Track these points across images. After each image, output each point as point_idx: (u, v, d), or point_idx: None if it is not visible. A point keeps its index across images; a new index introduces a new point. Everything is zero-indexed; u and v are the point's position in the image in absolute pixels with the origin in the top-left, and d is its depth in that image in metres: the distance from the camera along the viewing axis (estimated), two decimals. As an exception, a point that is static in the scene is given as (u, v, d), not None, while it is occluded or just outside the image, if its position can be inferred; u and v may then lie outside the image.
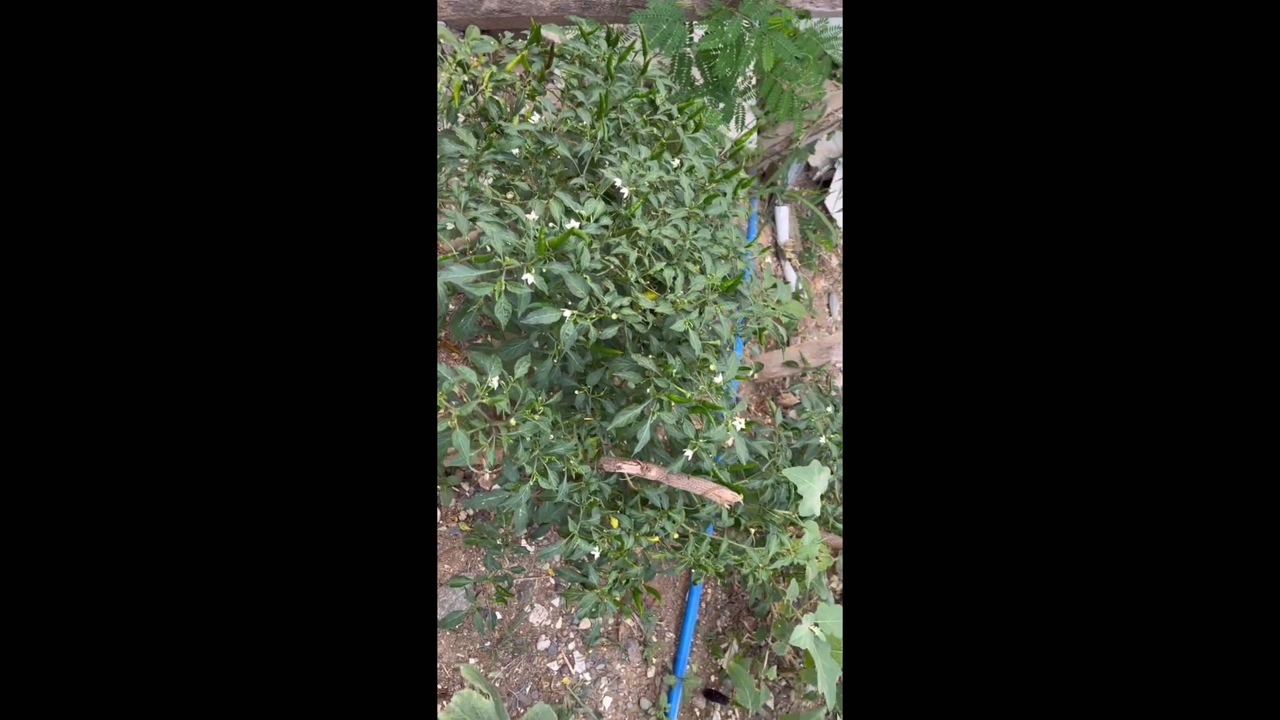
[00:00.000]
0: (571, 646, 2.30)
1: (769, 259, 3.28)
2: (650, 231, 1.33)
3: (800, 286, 3.29)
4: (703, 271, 1.37)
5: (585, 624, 2.33)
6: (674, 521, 1.64)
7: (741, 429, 1.39)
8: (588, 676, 2.28)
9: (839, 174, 3.41)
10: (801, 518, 1.79)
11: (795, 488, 1.87)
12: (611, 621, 2.41)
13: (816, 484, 1.83)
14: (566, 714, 2.16)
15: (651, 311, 1.33)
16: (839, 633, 2.02)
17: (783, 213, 3.30)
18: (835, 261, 3.64)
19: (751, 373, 1.67)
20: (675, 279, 1.34)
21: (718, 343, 1.41)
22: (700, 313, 1.34)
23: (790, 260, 3.34)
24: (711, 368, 1.37)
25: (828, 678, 1.94)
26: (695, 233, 1.40)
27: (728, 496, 1.40)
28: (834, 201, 3.45)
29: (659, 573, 2.11)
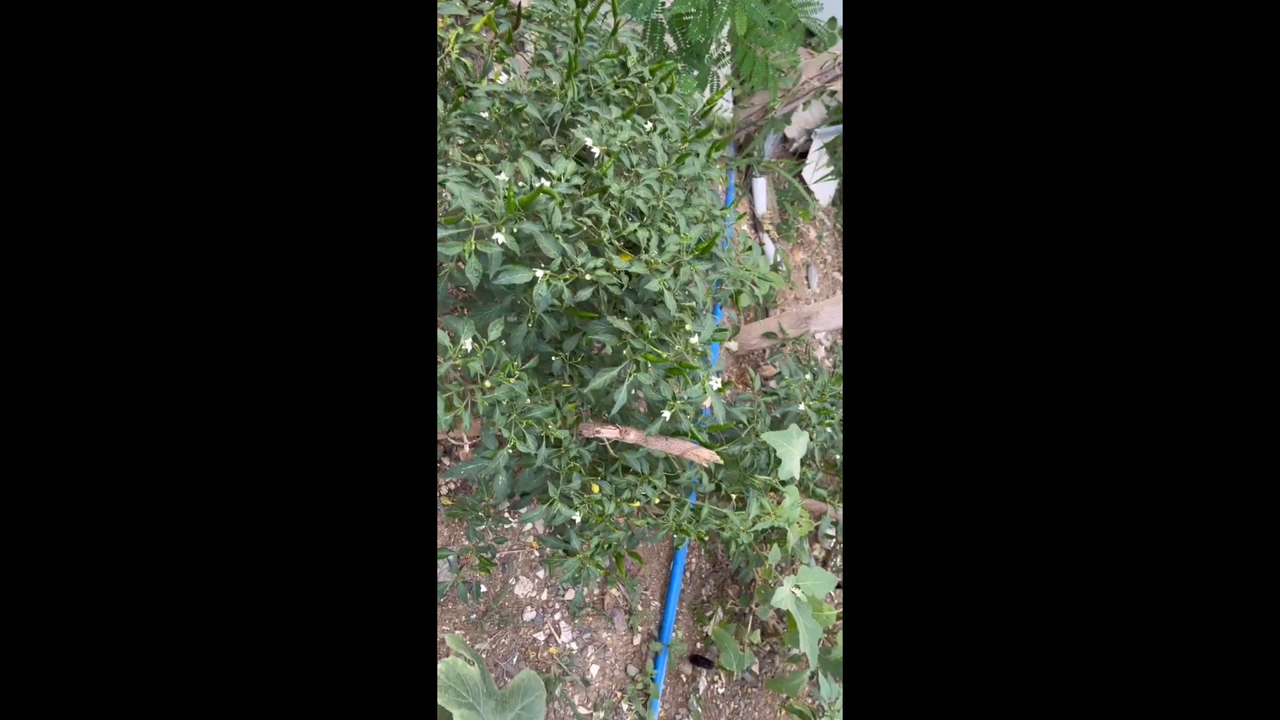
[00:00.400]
0: (557, 617, 2.32)
1: (745, 226, 3.28)
2: (623, 192, 1.32)
3: (778, 258, 3.30)
4: (677, 231, 1.36)
5: (570, 594, 2.34)
6: (655, 487, 1.64)
7: (718, 389, 1.40)
8: (574, 646, 2.30)
9: (816, 145, 3.41)
10: (781, 482, 1.81)
11: (774, 453, 1.89)
12: (597, 592, 2.43)
13: (795, 448, 1.85)
14: (554, 682, 2.18)
15: (626, 273, 1.32)
16: (820, 594, 2.06)
17: (760, 184, 3.29)
18: (813, 234, 3.65)
19: (729, 334, 1.68)
20: (649, 240, 1.34)
21: (693, 304, 1.41)
22: (675, 274, 1.33)
23: (768, 232, 3.35)
24: (687, 328, 1.37)
25: (809, 638, 1.97)
26: (669, 193, 1.39)
27: (705, 455, 1.41)
28: (811, 173, 3.45)
29: (643, 540, 2.13)
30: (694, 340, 1.38)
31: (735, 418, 1.87)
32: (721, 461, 1.61)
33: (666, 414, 1.39)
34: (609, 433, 1.52)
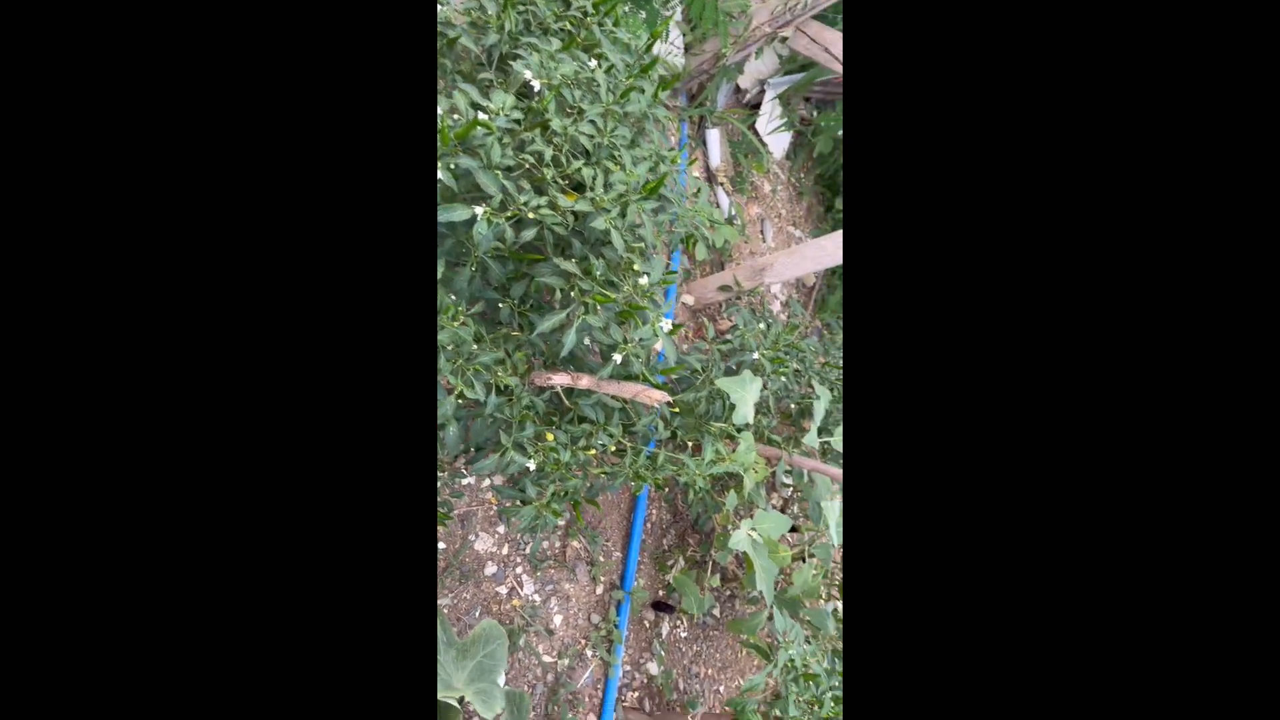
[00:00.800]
0: (519, 571, 2.33)
1: (698, 175, 3.25)
2: (566, 128, 1.27)
3: (733, 211, 3.28)
4: (622, 169, 1.33)
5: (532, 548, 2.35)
6: (611, 435, 1.64)
7: (669, 331, 1.39)
8: (537, 598, 2.32)
9: (769, 95, 3.38)
10: (736, 428, 1.84)
11: (729, 400, 1.91)
12: (558, 545, 2.44)
13: (749, 394, 1.87)
14: (517, 633, 2.20)
15: (573, 214, 1.29)
16: (775, 535, 2.11)
17: (713, 136, 3.25)
18: (768, 187, 3.64)
19: (678, 278, 1.66)
20: (594, 178, 1.30)
21: (642, 245, 1.39)
22: (622, 214, 1.31)
23: (723, 185, 3.32)
24: (636, 268, 1.36)
25: (766, 577, 2.03)
26: (614, 131, 1.35)
27: (656, 396, 1.41)
28: (764, 124, 3.42)
29: (602, 490, 2.14)
30: (643, 281, 1.36)
31: (687, 361, 1.88)
32: (672, 400, 1.62)
33: (617, 357, 1.38)
34: (560, 379, 1.51)
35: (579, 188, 1.35)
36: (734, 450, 1.94)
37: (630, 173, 1.32)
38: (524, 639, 2.24)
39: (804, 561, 2.36)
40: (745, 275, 2.83)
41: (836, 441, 2.28)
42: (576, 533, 2.36)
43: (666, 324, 1.38)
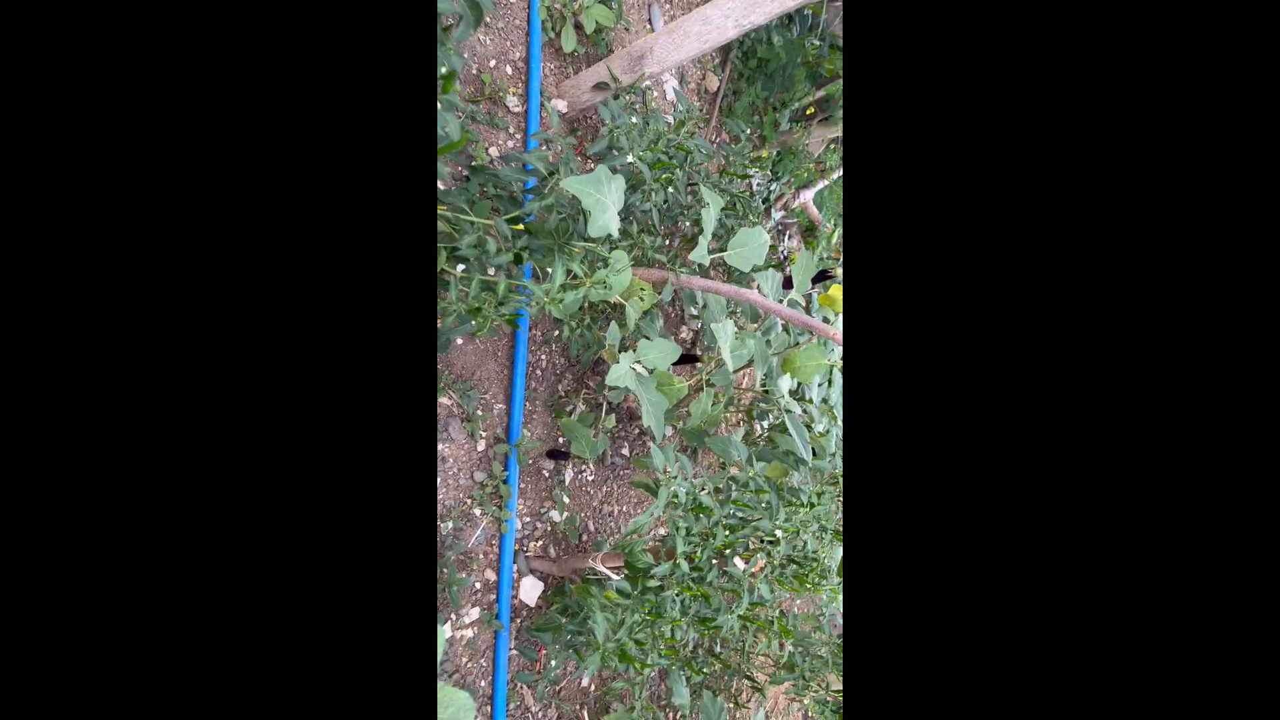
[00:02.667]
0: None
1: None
2: None
3: (608, -11, 2.67)
4: None
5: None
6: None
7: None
8: (409, 463, 2.08)
9: None
10: (589, 239, 1.50)
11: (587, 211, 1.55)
12: (429, 403, 2.16)
13: (608, 197, 1.51)
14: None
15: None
16: (663, 365, 1.88)
17: (573, -118, 2.54)
18: (654, -40, 2.99)
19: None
20: None
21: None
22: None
23: (593, -46, 2.67)
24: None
25: (653, 412, 1.83)
26: None
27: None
28: None
29: (449, 334, 1.81)
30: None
31: (523, 160, 1.48)
32: (528, 234, 1.25)
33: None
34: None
35: None
36: (599, 272, 1.62)
37: None
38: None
39: (704, 391, 2.17)
40: (621, 66, 2.34)
41: (732, 257, 1.99)
42: (442, 388, 2.07)
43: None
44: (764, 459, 2.29)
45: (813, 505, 1.66)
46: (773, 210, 4.22)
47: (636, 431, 2.90)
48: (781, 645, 2.36)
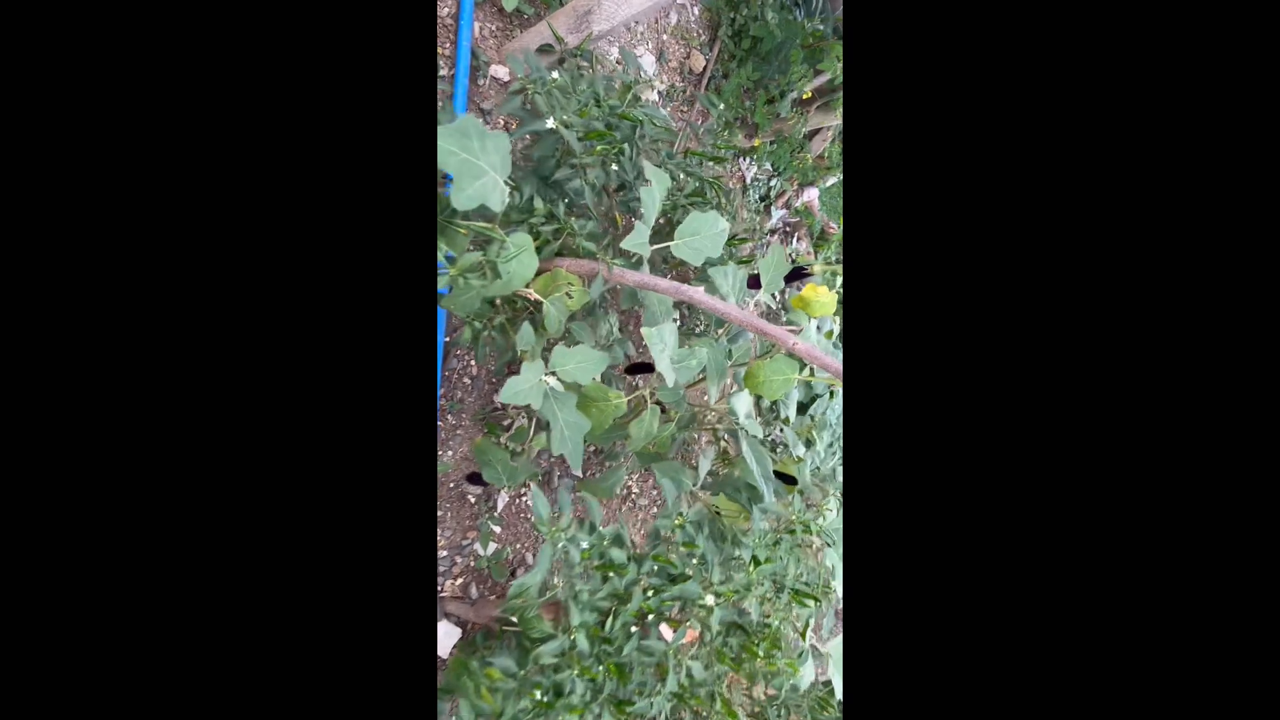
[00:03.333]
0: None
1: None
2: None
3: (565, -57, 2.34)
4: None
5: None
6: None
7: None
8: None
9: None
10: (478, 227, 1.15)
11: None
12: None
13: (483, 158, 1.16)
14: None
15: None
16: (587, 377, 1.52)
17: None
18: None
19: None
20: None
21: None
22: None
23: (549, -97, 2.34)
24: None
25: (568, 435, 1.47)
26: None
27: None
28: None
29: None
30: None
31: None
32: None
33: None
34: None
35: None
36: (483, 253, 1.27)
37: None
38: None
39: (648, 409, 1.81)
40: (566, 24, 1.99)
41: (680, 248, 1.63)
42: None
43: None
44: (719, 490, 1.92)
45: (758, 562, 1.28)
46: (773, 208, 3.85)
47: (593, 447, 2.54)
48: None
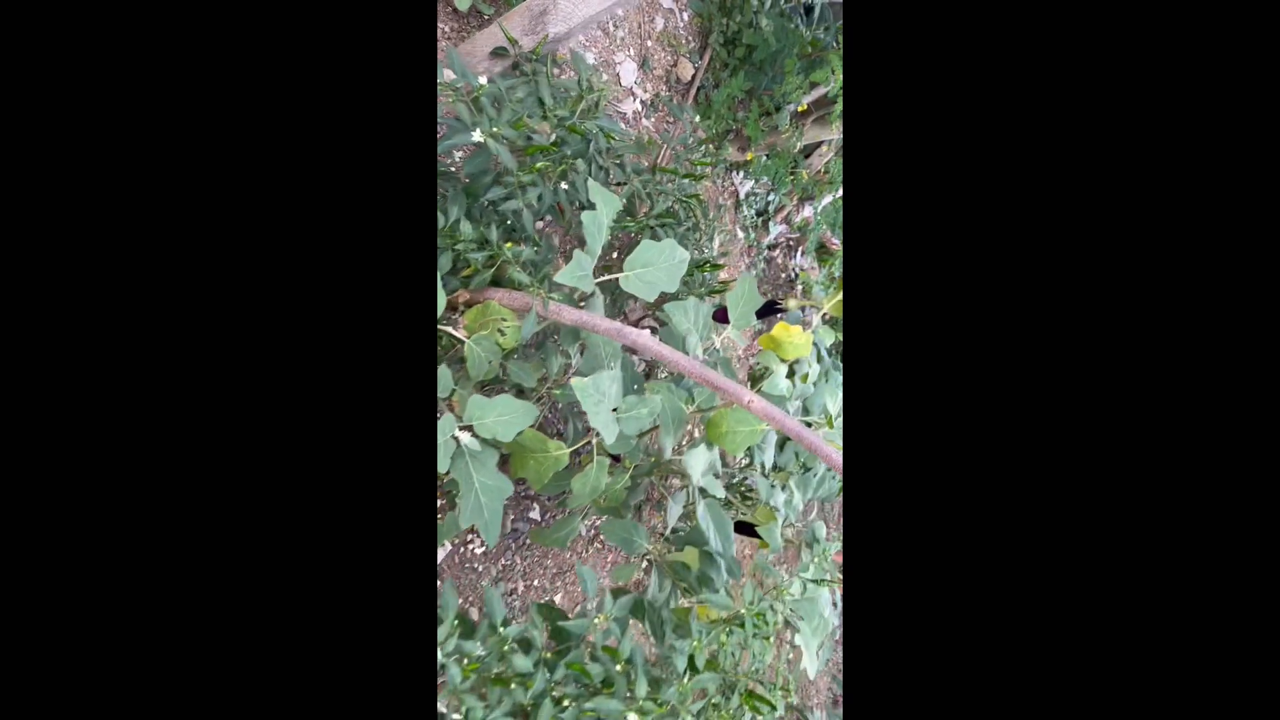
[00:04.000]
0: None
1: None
2: None
3: (532, -61, 2.14)
4: None
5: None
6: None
7: None
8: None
9: None
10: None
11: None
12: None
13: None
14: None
15: None
16: (510, 432, 1.30)
17: None
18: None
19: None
20: None
21: None
22: None
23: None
24: None
25: (485, 503, 1.25)
26: None
27: None
28: None
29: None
30: None
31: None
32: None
33: None
34: None
35: None
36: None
37: None
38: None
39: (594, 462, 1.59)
40: (521, 26, 1.79)
41: (630, 280, 1.42)
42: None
43: None
44: (686, 543, 1.69)
45: (695, 670, 1.05)
46: (771, 224, 3.63)
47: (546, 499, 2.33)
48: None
